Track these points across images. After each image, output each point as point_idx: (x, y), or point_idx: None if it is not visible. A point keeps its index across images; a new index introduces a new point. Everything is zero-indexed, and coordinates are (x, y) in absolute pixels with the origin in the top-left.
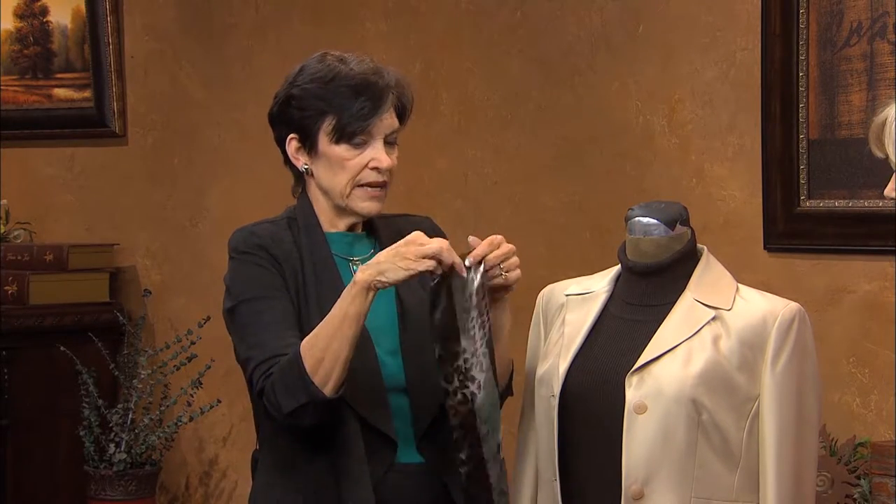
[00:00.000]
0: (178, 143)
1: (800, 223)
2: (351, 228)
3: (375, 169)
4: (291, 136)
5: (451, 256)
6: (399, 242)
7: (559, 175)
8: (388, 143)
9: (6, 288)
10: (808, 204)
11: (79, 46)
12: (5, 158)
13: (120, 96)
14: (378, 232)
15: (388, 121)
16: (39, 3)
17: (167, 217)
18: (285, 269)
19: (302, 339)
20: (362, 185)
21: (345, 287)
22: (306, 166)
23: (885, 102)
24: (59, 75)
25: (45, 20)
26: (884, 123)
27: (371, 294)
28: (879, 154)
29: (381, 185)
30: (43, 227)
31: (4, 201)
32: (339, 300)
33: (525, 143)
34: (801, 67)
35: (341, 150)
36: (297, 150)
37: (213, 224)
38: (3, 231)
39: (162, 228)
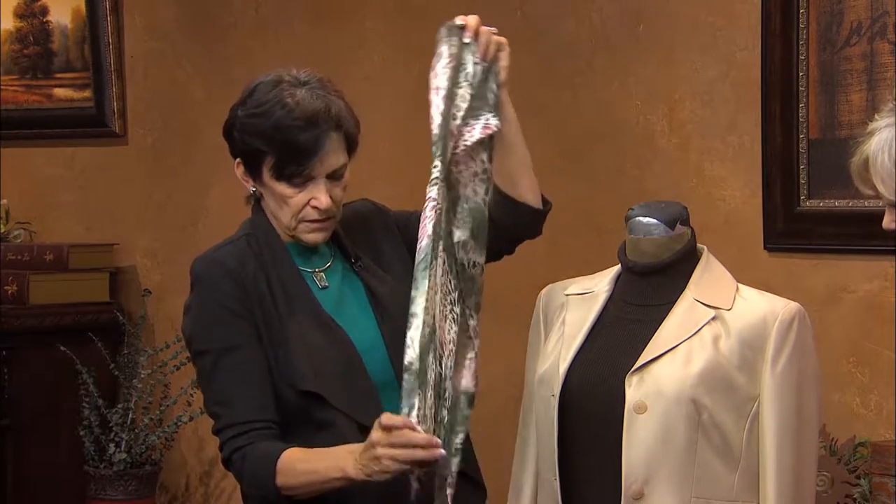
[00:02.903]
0: (178, 143)
1: (800, 223)
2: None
3: (316, 208)
4: (238, 160)
5: (424, 451)
6: (373, 439)
7: (559, 175)
8: (333, 178)
9: (6, 288)
10: (808, 204)
11: (79, 46)
12: (5, 158)
13: (120, 96)
14: (336, 233)
15: (331, 159)
16: (39, 3)
17: (167, 217)
18: (252, 293)
19: (263, 391)
20: (305, 221)
21: (315, 298)
22: (253, 189)
23: (860, 141)
24: (59, 75)
25: (45, 20)
26: (865, 162)
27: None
28: (867, 191)
29: (325, 220)
30: (43, 227)
31: (4, 201)
32: (332, 461)
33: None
34: (801, 67)
35: (282, 187)
36: (244, 174)
37: (213, 224)
38: (3, 231)
39: (162, 228)
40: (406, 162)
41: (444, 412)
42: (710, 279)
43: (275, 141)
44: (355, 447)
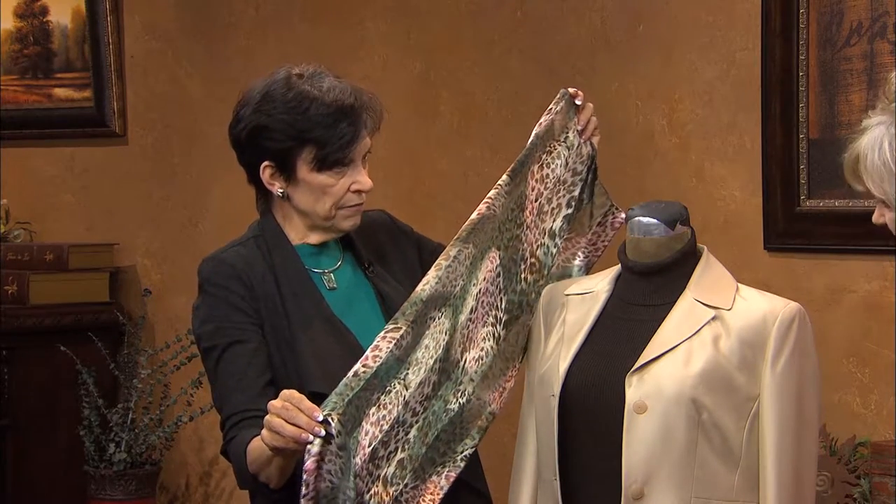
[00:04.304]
0: (178, 143)
1: (800, 223)
2: (322, 240)
3: (357, 192)
4: (266, 164)
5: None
6: (270, 404)
7: None
8: (363, 160)
9: (6, 288)
10: (808, 204)
11: (79, 46)
12: (5, 158)
13: (120, 96)
14: (348, 236)
15: (366, 142)
16: (39, 3)
17: (167, 217)
18: (259, 294)
19: (261, 382)
20: (345, 208)
21: (324, 299)
22: (282, 191)
23: (852, 138)
24: (59, 75)
25: (45, 20)
26: (857, 159)
27: (281, 456)
28: (858, 187)
29: (361, 203)
30: (43, 227)
31: (4, 201)
32: (262, 441)
33: (525, 143)
34: (801, 67)
35: (323, 177)
36: (272, 176)
37: (213, 224)
38: (3, 231)
39: (162, 228)
40: (405, 162)
41: (451, 398)
42: (710, 279)
43: (315, 131)
44: (271, 402)
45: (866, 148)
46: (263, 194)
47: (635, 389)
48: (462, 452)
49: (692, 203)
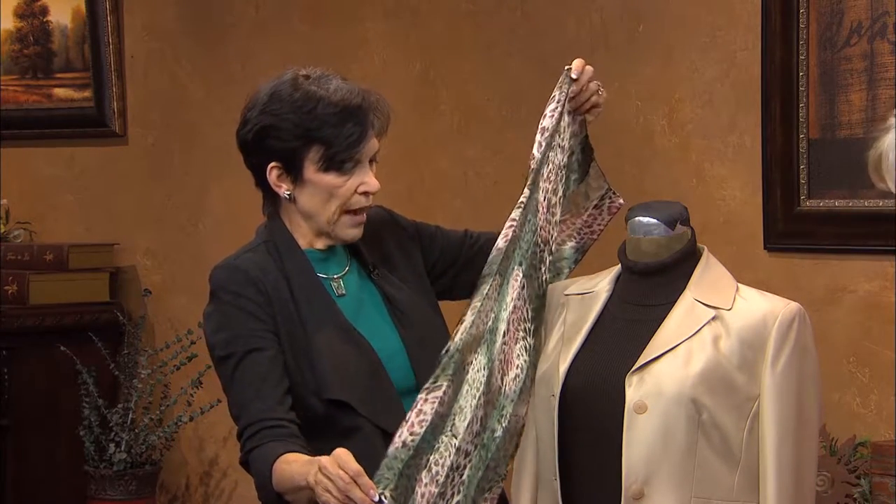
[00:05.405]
0: (178, 143)
1: (800, 223)
2: (329, 245)
3: (364, 193)
4: (273, 165)
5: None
6: (322, 462)
7: None
8: (370, 162)
9: (6, 288)
10: (808, 204)
11: (79, 46)
12: (5, 158)
13: (120, 96)
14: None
15: (373, 142)
16: (39, 3)
17: (167, 217)
18: (274, 300)
19: (279, 390)
20: (350, 212)
21: (336, 306)
22: (289, 193)
23: (876, 136)
24: (59, 75)
25: (45, 20)
26: (880, 157)
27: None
28: (882, 185)
29: (364, 212)
30: (43, 227)
31: (4, 201)
32: (303, 467)
33: (525, 143)
34: (801, 67)
35: (330, 178)
36: (279, 177)
37: (213, 224)
38: (3, 231)
39: (162, 228)
40: (405, 162)
41: (497, 426)
42: (710, 279)
43: (322, 130)
44: (326, 460)
45: (888, 148)
46: (270, 198)
47: (635, 389)
48: (503, 472)
49: (692, 203)
